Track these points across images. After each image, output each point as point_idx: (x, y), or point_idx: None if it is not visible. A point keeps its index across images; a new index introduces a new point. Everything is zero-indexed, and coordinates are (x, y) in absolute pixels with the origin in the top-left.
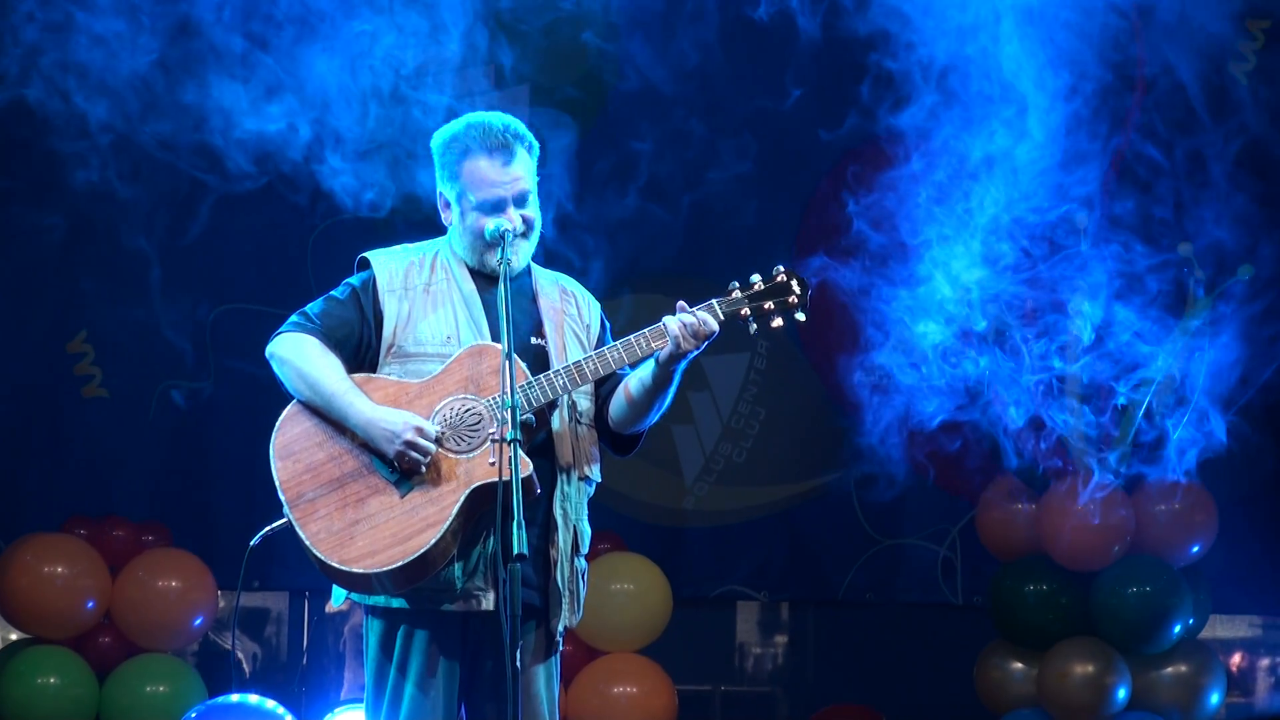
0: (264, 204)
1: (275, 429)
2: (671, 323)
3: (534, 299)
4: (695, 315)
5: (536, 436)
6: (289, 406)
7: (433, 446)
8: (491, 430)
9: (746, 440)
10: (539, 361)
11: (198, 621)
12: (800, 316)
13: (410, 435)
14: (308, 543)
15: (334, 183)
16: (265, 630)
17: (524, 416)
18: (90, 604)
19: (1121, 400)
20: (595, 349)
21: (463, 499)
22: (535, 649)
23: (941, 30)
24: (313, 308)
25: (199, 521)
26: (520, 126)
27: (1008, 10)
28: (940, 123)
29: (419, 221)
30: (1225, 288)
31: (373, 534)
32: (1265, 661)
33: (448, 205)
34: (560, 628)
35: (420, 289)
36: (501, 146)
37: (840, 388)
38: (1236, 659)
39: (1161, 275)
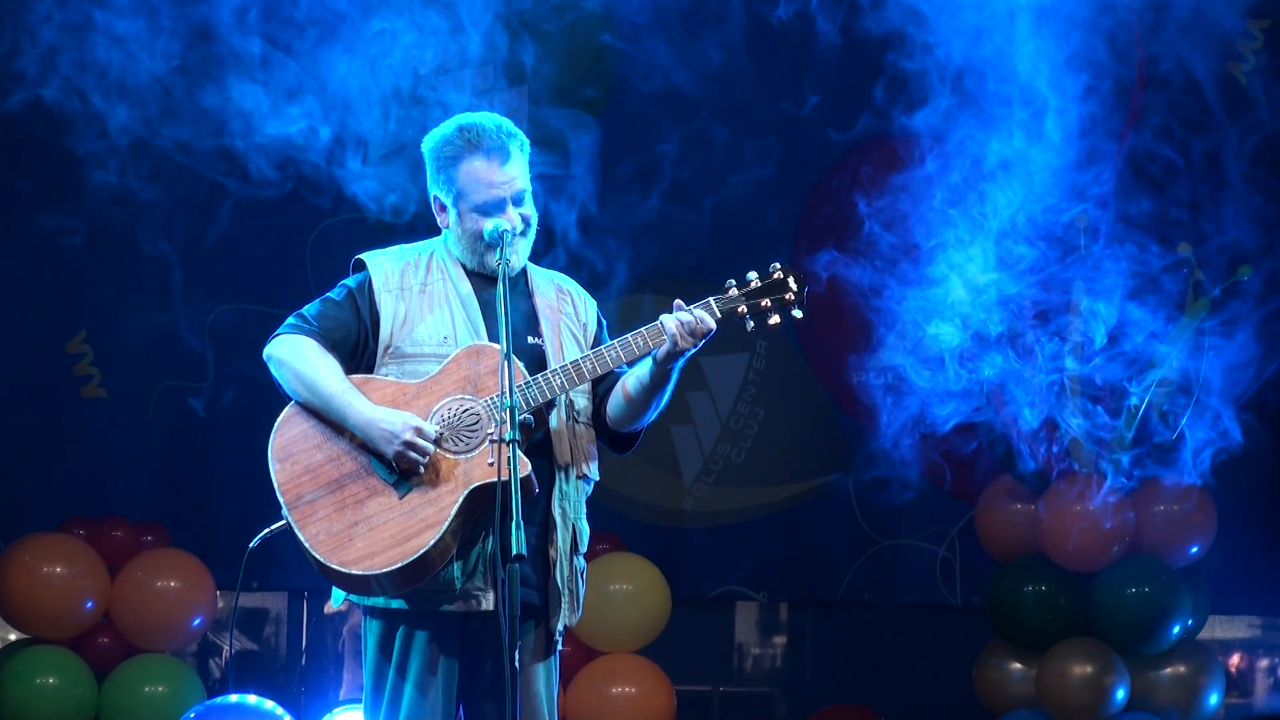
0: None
1: (273, 431)
2: (669, 321)
3: (530, 298)
4: (692, 313)
5: (534, 435)
6: (287, 408)
7: (431, 447)
8: (490, 430)
9: (745, 440)
10: (536, 361)
11: (196, 622)
12: (797, 314)
13: (409, 436)
14: (307, 545)
15: (356, 187)
16: (264, 630)
17: (522, 416)
18: (89, 604)
19: (1133, 400)
20: (592, 347)
21: (461, 499)
22: (535, 648)
23: (955, 30)
24: (309, 309)
25: (198, 522)
26: (511, 125)
27: (1021, 10)
28: (951, 123)
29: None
30: (1225, 288)
31: (371, 535)
32: (1264, 662)
33: (443, 209)
34: (560, 627)
35: (416, 289)
36: (496, 147)
37: (844, 388)
38: (1235, 659)
39: (1176, 275)
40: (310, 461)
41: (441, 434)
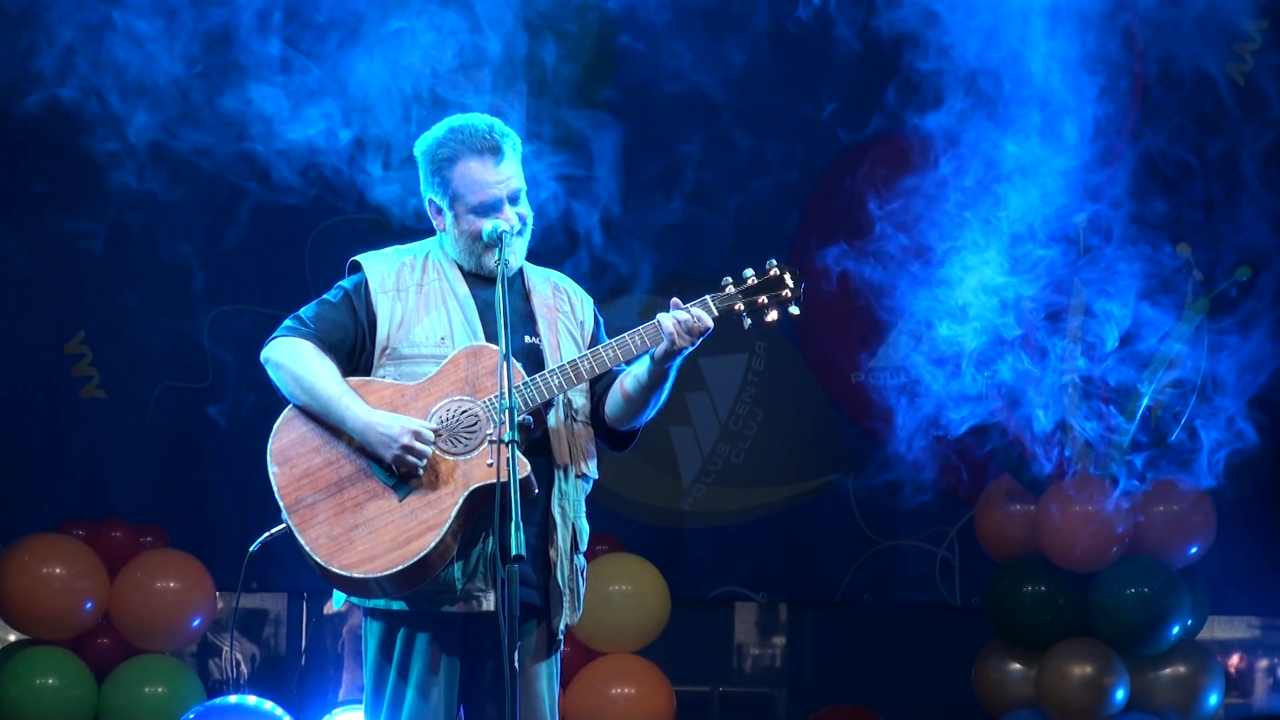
0: (265, 207)
1: (272, 434)
2: (666, 320)
3: (527, 297)
4: (690, 312)
5: (532, 435)
6: (285, 411)
7: (430, 450)
8: (489, 431)
9: (745, 441)
10: (534, 360)
11: (196, 623)
12: (795, 310)
13: (407, 439)
14: (307, 548)
15: (378, 191)
16: (263, 631)
17: (521, 417)
18: (88, 605)
19: (1138, 399)
20: (590, 345)
21: (461, 501)
22: (536, 648)
23: (968, 31)
24: (306, 311)
25: (197, 523)
26: (504, 125)
27: (1032, 11)
28: (962, 124)
29: None
30: (1224, 289)
31: (372, 538)
32: (1263, 662)
33: (439, 211)
34: (561, 626)
35: (413, 290)
36: (490, 148)
37: (844, 389)
38: (1235, 660)
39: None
40: (309, 465)
41: (440, 435)
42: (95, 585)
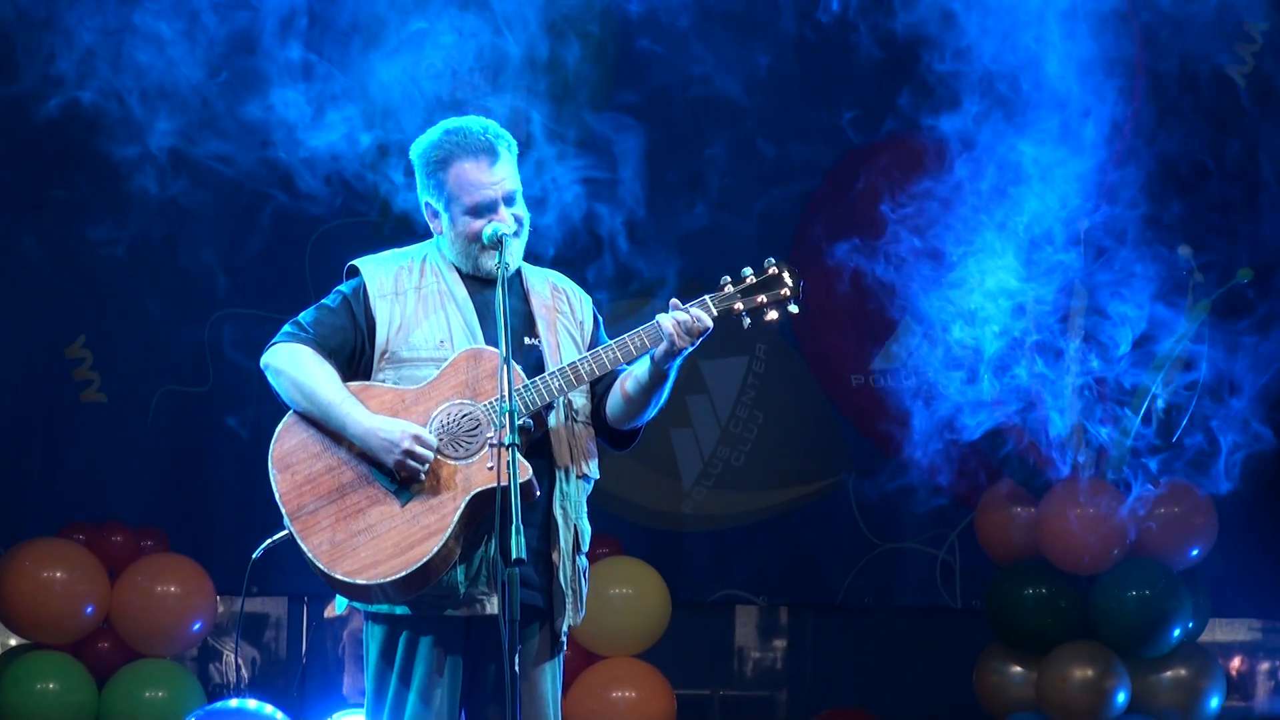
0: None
1: (273, 440)
2: (665, 320)
3: (525, 298)
4: (689, 312)
5: (533, 437)
6: (286, 417)
7: (431, 455)
8: (489, 435)
9: (745, 444)
10: (533, 362)
11: (196, 627)
12: (794, 309)
13: (408, 444)
14: (310, 555)
15: (401, 198)
16: (264, 635)
17: (521, 420)
18: (89, 609)
19: (1147, 403)
20: (590, 345)
21: (463, 506)
22: (539, 650)
23: (983, 33)
24: (305, 317)
25: (197, 527)
26: (498, 126)
27: (1048, 14)
28: (975, 127)
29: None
30: (1225, 290)
31: (375, 544)
32: (1265, 665)
33: (435, 215)
34: (564, 628)
35: (411, 293)
36: (484, 149)
37: (845, 391)
38: (1236, 662)
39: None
40: (310, 471)
41: (441, 440)
42: (96, 589)
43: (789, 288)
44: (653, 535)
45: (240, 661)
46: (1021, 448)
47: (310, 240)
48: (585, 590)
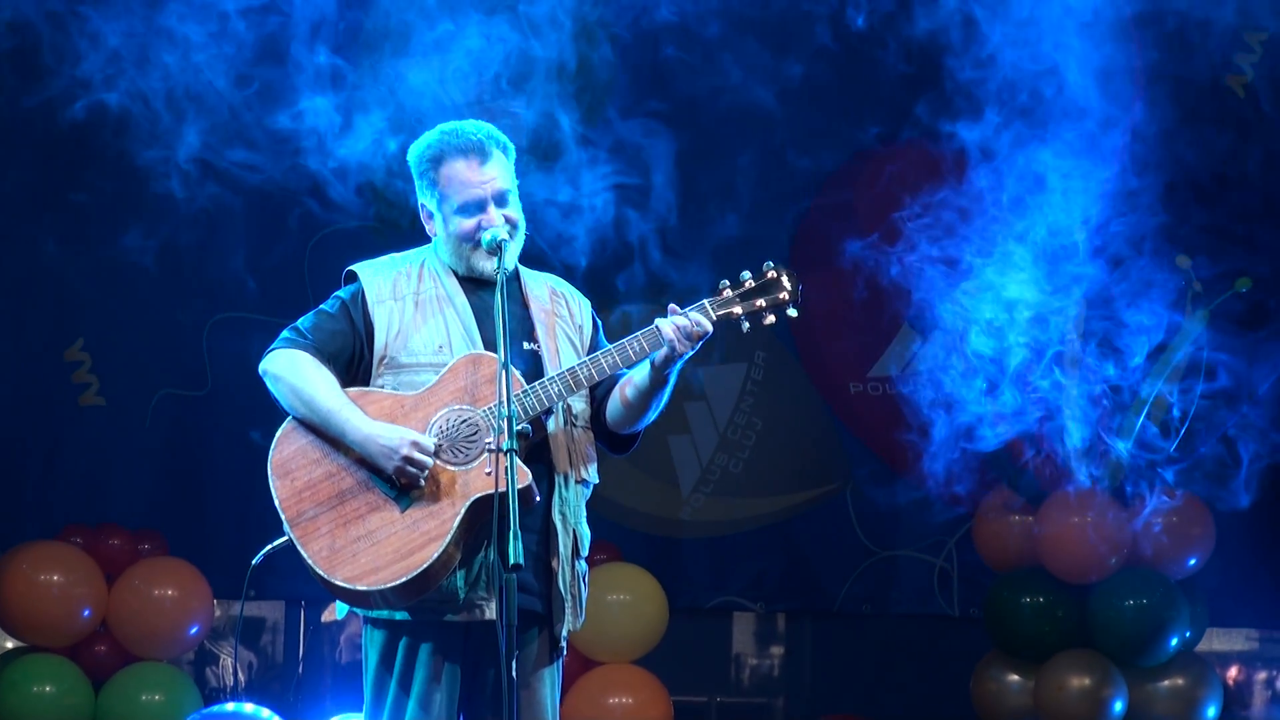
0: (266, 211)
1: (272, 446)
2: (665, 325)
3: (524, 303)
4: (689, 317)
5: (532, 442)
6: (285, 423)
7: (430, 461)
8: (488, 441)
9: (743, 451)
10: (532, 367)
11: (194, 630)
12: (793, 313)
13: (407, 450)
14: (310, 561)
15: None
16: (261, 639)
17: (520, 426)
18: (86, 612)
19: (1175, 412)
20: (589, 349)
21: (463, 512)
22: (539, 655)
23: (1002, 43)
24: (303, 322)
25: (195, 530)
26: (494, 129)
27: (1067, 24)
28: (990, 137)
29: (534, 258)
30: (1222, 300)
31: (375, 550)
32: (1262, 675)
33: (430, 216)
34: (564, 633)
35: (410, 298)
36: (475, 148)
37: (843, 399)
38: (1233, 672)
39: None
40: (310, 477)
41: (440, 446)
42: (93, 592)
43: (787, 291)
44: (651, 542)
45: (237, 665)
46: (1033, 458)
47: (309, 244)
48: (585, 595)
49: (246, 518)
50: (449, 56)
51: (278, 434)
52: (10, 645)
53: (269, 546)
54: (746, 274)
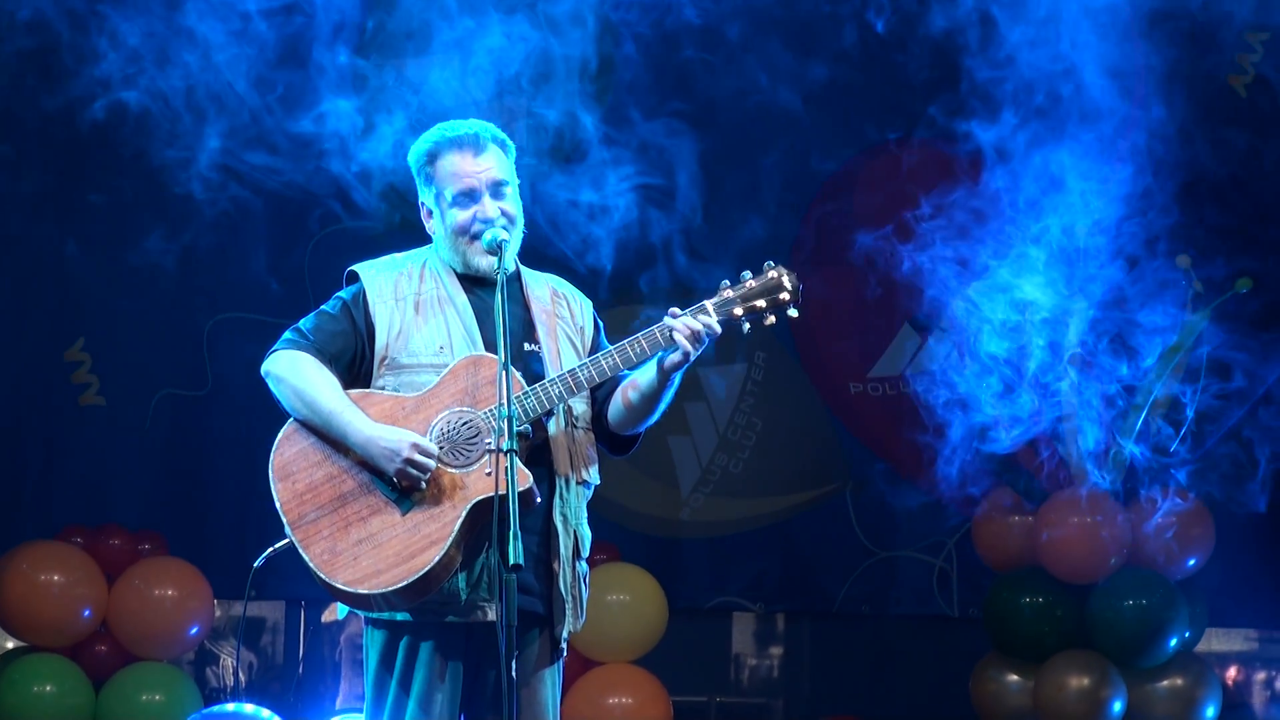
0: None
1: (273, 449)
2: (678, 333)
3: (525, 304)
4: (697, 320)
5: (533, 443)
6: (286, 425)
7: (432, 463)
8: (489, 442)
9: (743, 451)
10: (533, 368)
11: (194, 630)
12: (793, 313)
13: (409, 453)
14: (311, 565)
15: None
16: (261, 639)
17: (521, 427)
18: (86, 612)
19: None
20: (590, 350)
21: (464, 514)
22: (539, 656)
23: (1019, 44)
24: (305, 323)
25: (195, 530)
26: (493, 126)
27: (1080, 24)
28: (1004, 138)
29: (554, 260)
30: (1222, 301)
31: (376, 553)
32: (1261, 675)
33: (429, 214)
34: (564, 634)
35: (410, 299)
36: (469, 141)
37: (843, 400)
38: (1232, 672)
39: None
40: (311, 480)
41: (441, 448)
42: (93, 592)
43: (788, 291)
44: (650, 542)
45: (237, 665)
46: (1048, 459)
47: (310, 245)
48: (585, 596)
49: (246, 518)
50: (470, 56)
51: (279, 436)
52: (10, 645)
53: (271, 549)
54: (747, 274)
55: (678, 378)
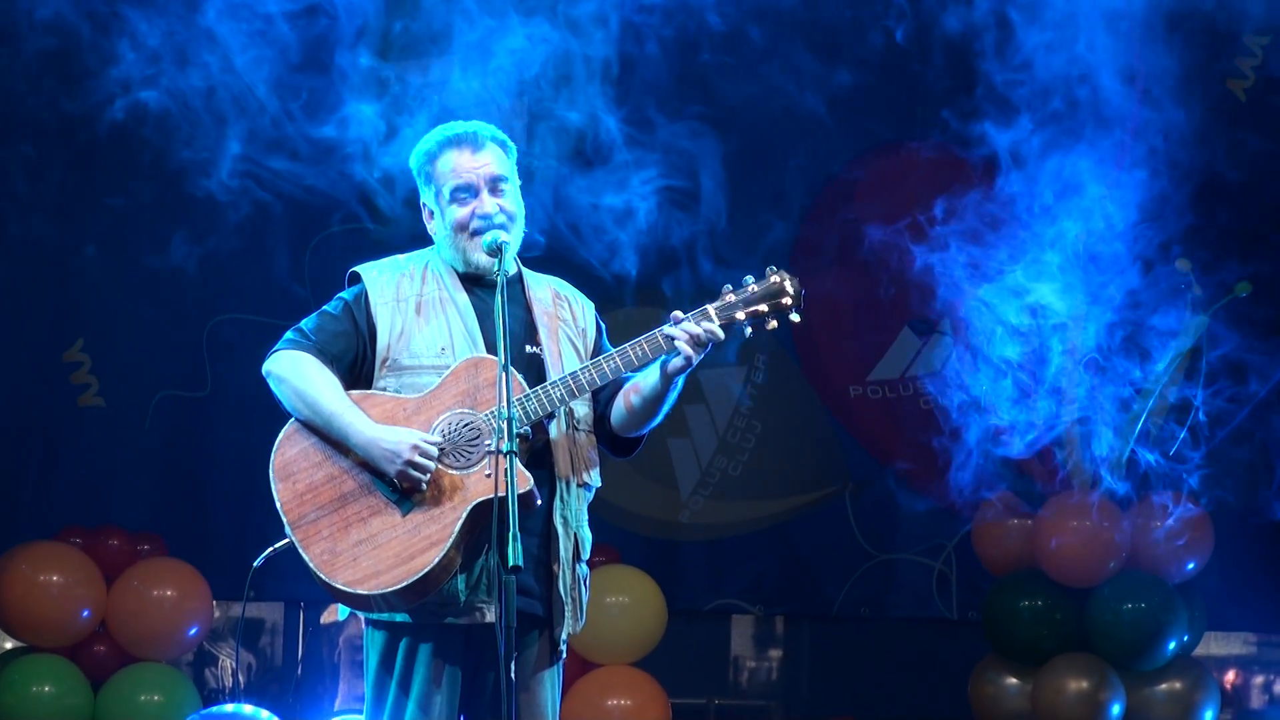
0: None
1: (274, 449)
2: (679, 340)
3: (527, 306)
4: (700, 325)
5: (534, 445)
6: (287, 425)
7: (433, 465)
8: (489, 444)
9: (742, 454)
10: (535, 370)
11: (193, 631)
12: (795, 318)
13: (410, 454)
14: (311, 565)
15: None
16: (260, 640)
17: (522, 429)
18: (85, 613)
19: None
20: (592, 352)
21: (464, 516)
22: (539, 658)
23: (1033, 49)
24: (307, 324)
25: (194, 531)
26: (493, 127)
27: (1096, 30)
28: (1017, 143)
29: (578, 266)
30: (1222, 305)
31: (376, 554)
32: (1259, 678)
33: (430, 214)
34: (564, 636)
35: (412, 300)
36: (468, 138)
37: (843, 403)
38: (1231, 676)
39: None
40: (312, 480)
41: (442, 450)
42: (92, 593)
43: (791, 296)
44: (649, 544)
45: (236, 666)
46: (1062, 461)
47: (309, 246)
48: (585, 598)
49: (246, 519)
50: (491, 57)
51: (280, 436)
52: (10, 645)
53: (270, 549)
54: (749, 278)
55: (680, 381)
